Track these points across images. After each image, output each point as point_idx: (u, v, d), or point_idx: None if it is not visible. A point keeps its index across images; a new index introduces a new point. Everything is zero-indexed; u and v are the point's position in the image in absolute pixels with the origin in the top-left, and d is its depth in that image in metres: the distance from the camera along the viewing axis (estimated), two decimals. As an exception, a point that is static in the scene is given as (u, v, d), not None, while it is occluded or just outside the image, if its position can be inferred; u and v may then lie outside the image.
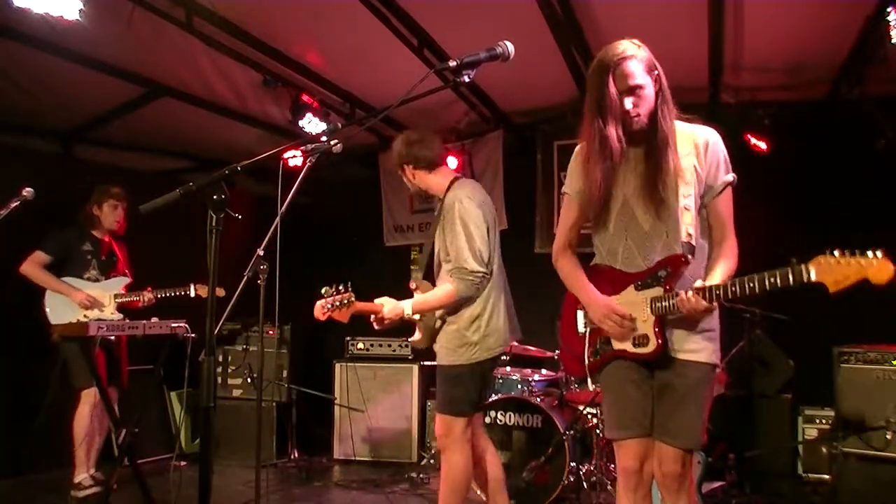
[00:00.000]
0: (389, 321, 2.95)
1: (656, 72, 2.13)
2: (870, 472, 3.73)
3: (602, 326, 2.23)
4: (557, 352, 4.28)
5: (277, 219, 2.40)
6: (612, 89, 2.06)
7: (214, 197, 1.73)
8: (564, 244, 2.41)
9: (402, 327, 5.61)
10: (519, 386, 4.41)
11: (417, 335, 3.18)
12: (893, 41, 3.50)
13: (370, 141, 6.17)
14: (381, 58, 4.36)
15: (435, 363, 5.25)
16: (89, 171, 5.14)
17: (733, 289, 1.96)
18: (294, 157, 2.46)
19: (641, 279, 2.18)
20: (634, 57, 2.07)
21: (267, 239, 2.49)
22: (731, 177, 2.19)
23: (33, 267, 4.33)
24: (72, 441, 4.23)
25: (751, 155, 4.71)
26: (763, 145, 4.77)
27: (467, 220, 2.91)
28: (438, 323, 3.06)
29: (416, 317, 3.05)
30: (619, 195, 2.20)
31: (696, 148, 2.16)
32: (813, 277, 1.81)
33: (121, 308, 4.46)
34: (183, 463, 5.01)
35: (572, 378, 4.32)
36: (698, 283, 2.03)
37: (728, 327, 4.09)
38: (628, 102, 2.07)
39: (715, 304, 2.01)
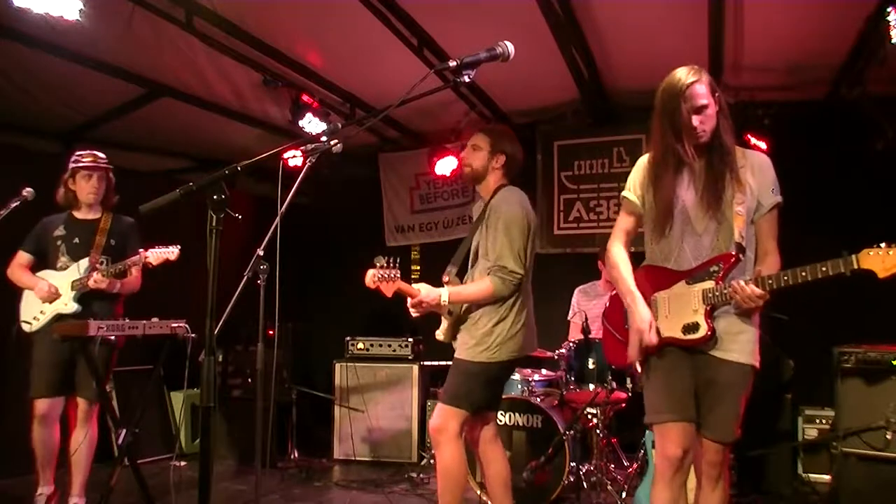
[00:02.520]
0: (426, 306, 2.98)
1: (717, 93, 2.38)
2: (870, 472, 3.73)
3: (631, 328, 2.43)
4: (558, 352, 4.28)
5: (277, 219, 2.40)
6: (685, 110, 2.30)
7: (214, 197, 1.73)
8: (620, 240, 2.61)
9: (400, 327, 5.63)
10: (519, 386, 4.41)
11: (443, 328, 3.19)
12: (893, 41, 3.50)
13: (370, 141, 6.17)
14: (381, 58, 4.36)
15: (435, 363, 5.32)
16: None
17: (785, 278, 2.16)
18: (294, 157, 2.45)
19: (694, 274, 2.38)
20: (701, 81, 2.33)
21: (267, 239, 2.49)
22: (779, 198, 2.42)
23: (13, 268, 3.85)
24: (33, 454, 3.76)
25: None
26: (763, 145, 4.77)
27: (513, 223, 2.98)
28: (467, 323, 3.07)
29: (447, 310, 3.08)
30: (679, 203, 2.41)
31: (752, 166, 2.40)
32: (862, 266, 2.04)
33: (94, 296, 3.72)
34: (183, 463, 5.02)
35: (572, 378, 4.31)
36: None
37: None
38: (696, 120, 2.31)
39: (767, 292, 2.19)
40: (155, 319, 3.58)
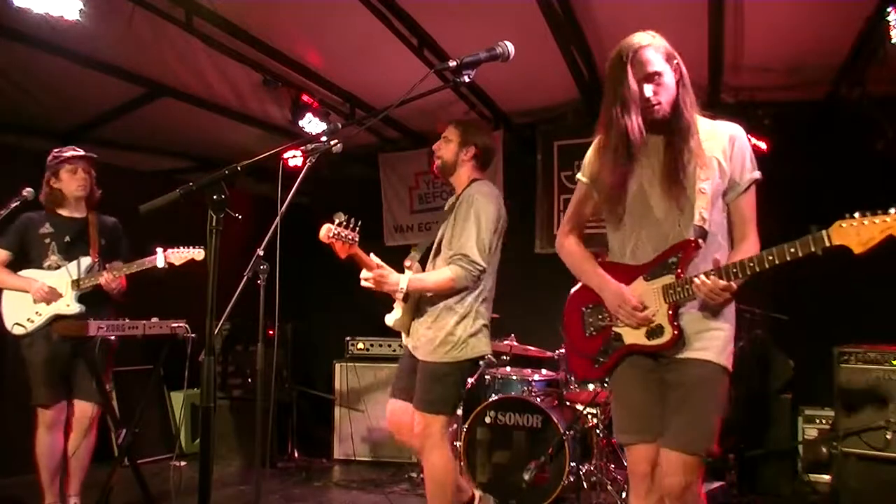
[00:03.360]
0: (377, 284, 2.91)
1: (676, 61, 2.12)
2: (870, 472, 3.73)
3: (617, 315, 2.17)
4: (558, 352, 4.28)
5: (277, 219, 2.40)
6: (631, 78, 2.05)
7: (214, 197, 1.73)
8: (570, 229, 2.39)
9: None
10: (519, 386, 4.41)
11: (396, 314, 3.13)
12: (893, 41, 3.50)
13: (370, 141, 6.17)
14: (381, 58, 4.36)
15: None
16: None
17: (751, 265, 1.91)
18: (294, 157, 2.46)
19: (651, 269, 2.12)
20: (651, 45, 2.07)
21: (267, 239, 2.49)
22: (756, 174, 2.14)
23: None
24: (36, 465, 3.66)
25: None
26: (763, 145, 4.77)
27: (481, 214, 2.94)
28: (424, 317, 3.01)
29: (403, 295, 2.99)
30: (634, 185, 2.15)
31: (722, 142, 2.12)
32: (835, 242, 1.78)
33: (92, 296, 3.63)
34: (183, 463, 5.02)
35: (572, 378, 4.31)
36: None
37: (728, 327, 4.15)
38: (648, 90, 2.05)
39: (734, 283, 1.95)
40: (155, 319, 3.58)
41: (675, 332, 2.05)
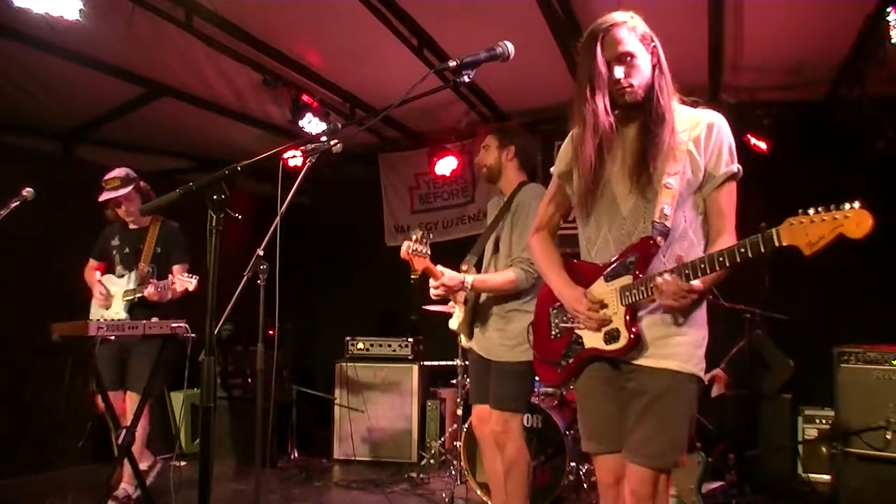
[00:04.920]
0: (447, 289, 3.01)
1: (653, 43, 1.96)
2: (870, 472, 3.73)
3: (575, 317, 2.04)
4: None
5: (277, 219, 2.40)
6: (600, 58, 1.90)
7: (214, 197, 1.72)
8: (539, 225, 2.28)
9: (401, 327, 5.62)
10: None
11: (458, 318, 3.22)
12: (893, 41, 3.50)
13: (370, 141, 6.17)
14: (381, 58, 4.36)
15: (435, 363, 5.32)
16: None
17: (702, 265, 1.75)
18: (294, 157, 2.46)
19: (610, 268, 1.98)
20: (624, 24, 1.92)
21: (267, 239, 2.49)
22: (735, 167, 1.95)
23: (86, 271, 4.27)
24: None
25: (751, 155, 4.71)
26: (763, 145, 4.77)
27: None
28: (494, 319, 3.10)
29: (464, 297, 3.12)
30: (604, 179, 2.00)
31: (698, 130, 1.94)
32: (784, 242, 1.62)
33: (142, 304, 3.98)
34: (183, 463, 5.01)
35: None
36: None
37: (728, 327, 4.15)
38: (619, 71, 1.90)
39: (695, 283, 1.78)
40: (155, 319, 3.59)
41: (631, 337, 1.90)
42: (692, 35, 3.97)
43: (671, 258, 1.90)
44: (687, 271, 1.78)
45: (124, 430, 3.50)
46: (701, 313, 1.98)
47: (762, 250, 1.66)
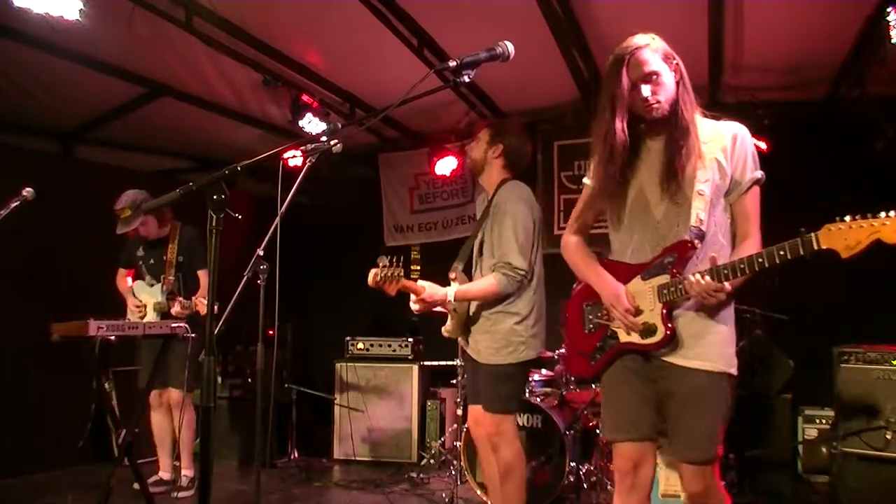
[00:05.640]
0: (428, 305, 2.99)
1: (675, 61, 2.11)
2: (870, 472, 3.73)
3: (612, 312, 2.18)
4: (558, 352, 4.28)
5: (277, 219, 2.40)
6: (625, 80, 2.05)
7: (214, 197, 1.72)
8: (574, 230, 2.40)
9: (400, 327, 5.62)
10: (519, 386, 4.41)
11: (449, 325, 3.21)
12: (893, 41, 3.50)
13: (370, 141, 6.17)
14: (381, 58, 4.36)
15: (435, 363, 5.32)
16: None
17: (741, 266, 1.90)
18: (294, 157, 2.45)
19: (647, 268, 2.12)
20: (648, 46, 2.07)
21: (267, 239, 2.49)
22: (759, 174, 2.12)
23: (118, 281, 4.45)
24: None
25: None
26: (763, 145, 4.76)
27: (518, 219, 2.97)
28: (482, 321, 3.07)
29: (452, 308, 3.09)
30: (635, 187, 2.16)
31: (723, 141, 2.11)
32: (823, 245, 1.77)
33: (169, 315, 4.17)
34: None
35: (572, 378, 4.31)
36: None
37: (728, 327, 4.15)
38: (646, 90, 2.05)
39: (726, 284, 1.95)
40: (155, 319, 3.59)
41: (668, 332, 2.05)
42: (692, 35, 3.97)
43: (705, 259, 2.04)
44: (726, 271, 1.93)
45: (124, 431, 3.50)
46: (729, 312, 2.13)
47: (801, 253, 1.81)
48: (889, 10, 3.45)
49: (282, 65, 4.39)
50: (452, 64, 1.99)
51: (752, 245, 2.05)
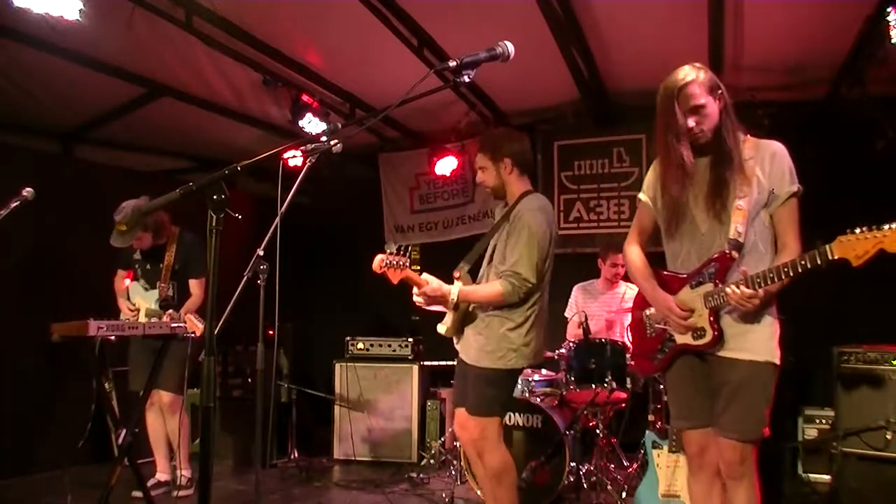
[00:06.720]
0: (430, 299, 2.98)
1: (720, 90, 2.36)
2: (870, 472, 3.73)
3: (667, 320, 2.46)
4: (558, 352, 4.28)
5: (277, 219, 2.40)
6: (679, 112, 2.30)
7: (214, 197, 1.72)
8: (632, 240, 2.66)
9: (400, 327, 5.62)
10: (519, 386, 4.40)
11: (447, 323, 3.19)
12: (893, 41, 3.50)
13: (370, 141, 6.17)
14: (381, 58, 4.36)
15: (435, 363, 5.32)
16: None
17: (771, 275, 2.15)
18: (294, 157, 2.46)
19: (695, 277, 2.39)
20: (695, 81, 2.30)
21: (267, 239, 2.49)
22: (795, 187, 2.34)
23: (115, 283, 4.44)
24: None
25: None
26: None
27: (535, 231, 2.96)
28: (476, 322, 3.07)
29: (453, 305, 3.06)
30: (684, 203, 2.43)
31: (763, 158, 2.36)
32: (836, 255, 2.02)
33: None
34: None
35: (573, 378, 4.31)
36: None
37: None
38: (692, 121, 2.31)
39: (759, 291, 2.18)
40: (155, 319, 3.59)
41: (715, 334, 2.33)
42: (692, 35, 3.97)
43: (746, 267, 2.29)
44: (758, 280, 2.19)
45: (124, 431, 3.50)
46: (771, 310, 2.40)
47: (818, 262, 2.08)
48: (889, 10, 3.45)
49: (282, 65, 4.39)
50: (452, 64, 1.99)
51: (788, 254, 2.28)
